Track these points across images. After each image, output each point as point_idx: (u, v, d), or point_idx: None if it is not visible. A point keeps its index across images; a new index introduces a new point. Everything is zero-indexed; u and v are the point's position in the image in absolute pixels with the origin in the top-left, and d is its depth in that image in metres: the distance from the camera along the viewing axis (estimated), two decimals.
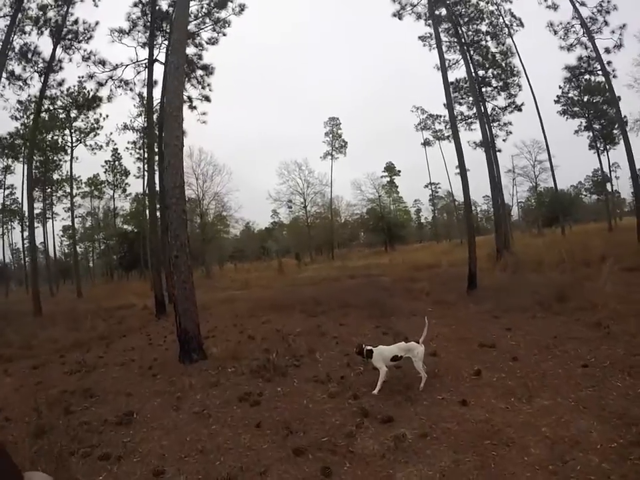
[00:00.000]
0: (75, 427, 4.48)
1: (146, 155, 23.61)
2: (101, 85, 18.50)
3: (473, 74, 26.36)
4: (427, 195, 66.74)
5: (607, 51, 21.71)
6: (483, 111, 26.61)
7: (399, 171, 59.12)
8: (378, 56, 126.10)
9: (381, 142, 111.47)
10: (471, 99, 27.40)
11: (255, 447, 3.75)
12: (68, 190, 34.61)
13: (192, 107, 21.38)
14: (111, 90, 18.86)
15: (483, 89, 25.93)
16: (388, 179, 57.97)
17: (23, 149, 29.26)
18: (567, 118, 36.29)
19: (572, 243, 18.91)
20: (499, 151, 28.81)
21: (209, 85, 20.94)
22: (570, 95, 35.74)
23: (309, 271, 29.23)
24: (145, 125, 21.53)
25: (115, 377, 6.47)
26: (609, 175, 38.31)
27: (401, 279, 16.31)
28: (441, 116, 49.39)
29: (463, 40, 21.69)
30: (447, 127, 30.64)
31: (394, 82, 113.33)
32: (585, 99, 35.39)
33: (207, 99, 21.28)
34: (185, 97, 20.58)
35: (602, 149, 36.85)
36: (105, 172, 46.10)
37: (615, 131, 34.72)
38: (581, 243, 17.34)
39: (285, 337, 7.85)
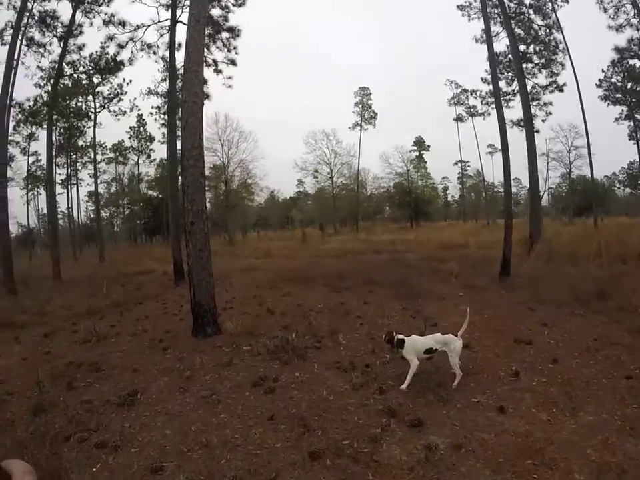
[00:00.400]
0: (75, 405, 4.13)
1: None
2: (121, 47, 17.72)
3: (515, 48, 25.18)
4: (455, 173, 65.72)
5: None
6: (523, 87, 25.51)
7: (429, 146, 57.49)
8: (412, 29, 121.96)
9: (412, 115, 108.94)
10: (510, 74, 26.15)
11: (267, 445, 3.31)
12: (92, 156, 34.50)
13: (217, 71, 20.49)
14: (132, 52, 18.10)
15: (524, 65, 24.54)
16: (417, 153, 56.44)
17: (45, 115, 29.18)
18: (608, 104, 33.97)
19: (606, 235, 17.84)
20: (537, 131, 27.28)
21: (235, 47, 19.99)
22: (613, 79, 33.63)
23: (332, 243, 28.75)
24: (169, 89, 20.87)
25: (124, 350, 6.12)
26: None
27: (428, 257, 15.69)
28: (476, 91, 47.62)
29: (506, 10, 20.40)
30: (484, 102, 29.10)
31: (427, 55, 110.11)
32: (629, 86, 33.29)
33: (233, 62, 20.36)
34: (210, 60, 19.87)
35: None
36: (129, 138, 46.19)
37: None
38: (615, 237, 16.31)
39: (306, 313, 7.42)
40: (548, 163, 46.23)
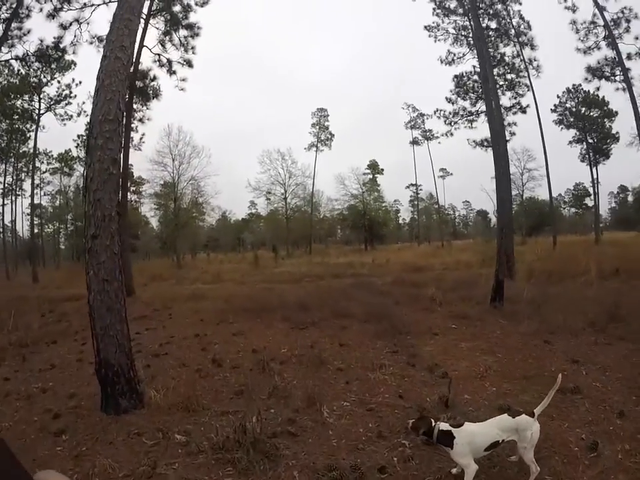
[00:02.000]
0: None
1: None
2: (64, 28, 15.37)
3: (478, 69, 24.86)
4: (406, 196, 66.23)
5: (629, 57, 20.43)
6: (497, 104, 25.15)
7: (382, 170, 56.82)
8: (374, 52, 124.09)
9: (366, 138, 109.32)
10: (473, 95, 26.03)
11: None
12: (34, 164, 31.18)
13: (171, 72, 18.48)
14: (75, 36, 15.66)
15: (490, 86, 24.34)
16: (370, 176, 55.55)
17: None
18: (562, 128, 35.01)
19: (569, 254, 17.09)
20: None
21: (193, 47, 18.16)
22: (567, 104, 34.63)
23: (286, 266, 26.72)
24: None
25: (3, 428, 3.92)
26: (595, 188, 36.87)
27: (397, 282, 13.93)
28: (430, 116, 48.64)
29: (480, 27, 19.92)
30: (447, 121, 28.37)
31: (387, 79, 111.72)
32: (582, 111, 34.21)
33: (189, 63, 18.42)
34: (165, 59, 17.93)
35: (592, 162, 35.54)
36: (76, 147, 42.65)
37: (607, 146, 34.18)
38: (580, 254, 15.44)
39: (266, 365, 5.36)
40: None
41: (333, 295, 11.43)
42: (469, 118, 27.79)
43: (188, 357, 6.29)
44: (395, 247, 48.52)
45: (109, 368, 4.03)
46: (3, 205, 33.91)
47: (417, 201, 61.69)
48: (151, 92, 18.01)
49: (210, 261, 42.66)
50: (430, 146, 50.85)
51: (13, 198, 34.96)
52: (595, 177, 35.65)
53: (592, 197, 50.19)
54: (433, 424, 2.74)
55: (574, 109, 34.41)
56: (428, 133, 50.40)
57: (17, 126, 29.20)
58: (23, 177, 36.72)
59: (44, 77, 25.56)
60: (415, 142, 52.30)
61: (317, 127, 51.55)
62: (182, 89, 18.91)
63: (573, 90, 33.78)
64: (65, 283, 19.88)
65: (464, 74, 26.10)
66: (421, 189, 61.73)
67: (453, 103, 27.79)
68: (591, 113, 33.82)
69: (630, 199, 60.11)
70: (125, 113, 4.29)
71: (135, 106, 18.92)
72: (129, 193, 51.10)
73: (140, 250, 50.87)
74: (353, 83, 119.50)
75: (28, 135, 30.28)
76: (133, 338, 7.80)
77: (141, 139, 33.06)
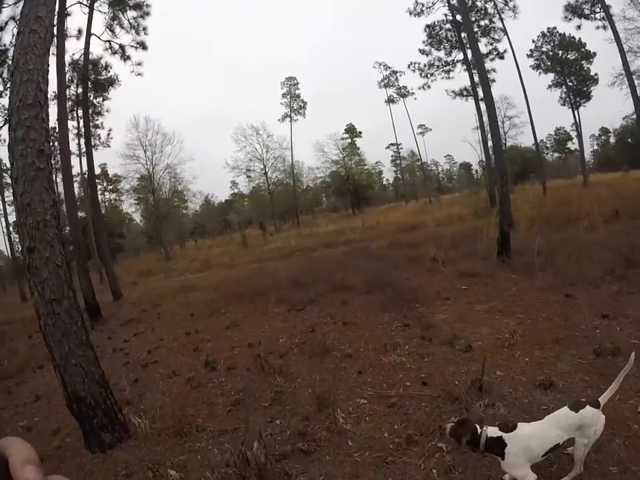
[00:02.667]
0: None
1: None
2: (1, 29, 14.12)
3: (450, 17, 23.88)
4: (387, 157, 65.35)
5: None
6: (463, 56, 24.29)
7: (360, 132, 55.44)
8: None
9: (342, 103, 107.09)
10: (447, 44, 25.13)
11: None
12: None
13: (125, 58, 17.25)
14: (13, 35, 14.42)
15: (462, 34, 23.61)
16: (349, 140, 54.26)
17: None
18: (540, 73, 33.78)
19: (562, 198, 16.52)
20: (482, 99, 26.30)
21: (144, 28, 16.86)
22: (544, 49, 33.46)
23: (276, 242, 26.06)
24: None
25: None
26: (579, 130, 36.17)
27: (393, 244, 13.31)
28: (403, 72, 47.54)
29: None
30: (423, 74, 27.30)
31: (351, 33, 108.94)
32: (560, 54, 33.18)
33: (143, 45, 17.12)
34: (117, 46, 16.69)
35: (573, 105, 34.74)
36: None
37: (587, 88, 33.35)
38: (574, 199, 14.87)
39: (264, 362, 4.75)
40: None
41: (328, 267, 10.86)
42: (444, 68, 26.89)
43: (179, 363, 5.71)
44: (382, 209, 47.70)
45: (80, 402, 3.40)
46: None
47: (400, 160, 60.58)
48: (106, 82, 16.83)
49: (198, 247, 41.73)
50: (406, 103, 49.70)
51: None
52: (577, 119, 34.78)
53: (574, 140, 50.03)
54: (479, 430, 2.17)
55: (551, 53, 33.29)
56: (403, 90, 49.27)
57: None
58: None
59: None
60: (390, 100, 50.97)
61: (288, 96, 49.87)
62: (139, 74, 17.66)
63: (548, 33, 32.57)
64: None
65: (436, 23, 25.10)
66: (401, 148, 60.58)
67: (427, 55, 26.80)
68: (569, 56, 32.81)
69: (612, 140, 59.42)
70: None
71: (95, 101, 17.91)
72: (107, 192, 50.18)
73: (128, 248, 49.98)
74: (323, 55, 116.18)
75: None
76: (122, 347, 7.25)
77: (108, 134, 31.83)
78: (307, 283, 9.01)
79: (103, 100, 18.35)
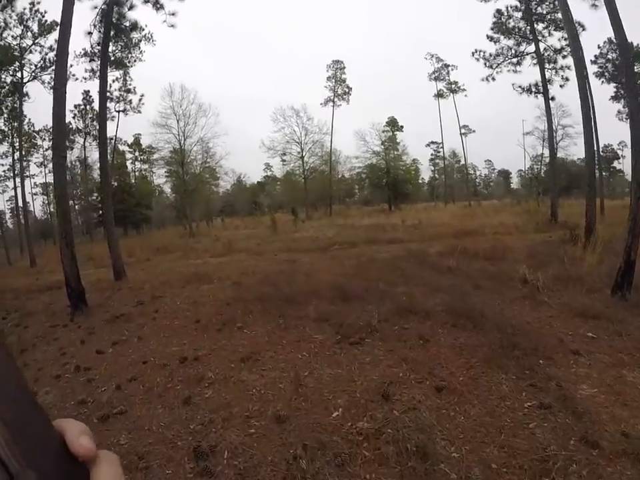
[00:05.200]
0: None
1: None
2: None
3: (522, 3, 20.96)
4: (425, 155, 63.21)
5: None
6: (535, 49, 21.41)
7: (402, 127, 52.47)
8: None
9: (386, 95, 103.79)
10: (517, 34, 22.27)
11: None
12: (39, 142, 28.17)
13: (158, 6, 15.00)
14: None
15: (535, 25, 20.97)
16: (390, 133, 51.27)
17: None
18: (603, 82, 30.12)
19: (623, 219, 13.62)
20: (552, 98, 23.16)
21: None
22: (609, 56, 29.73)
23: (308, 230, 23.73)
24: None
25: None
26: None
27: (456, 251, 10.39)
28: (455, 67, 44.92)
29: None
30: (487, 64, 24.25)
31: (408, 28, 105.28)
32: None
33: None
34: None
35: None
36: (73, 118, 39.38)
37: None
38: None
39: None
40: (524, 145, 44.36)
41: (381, 273, 8.43)
42: (512, 60, 23.85)
43: (154, 425, 3.34)
44: (419, 207, 44.89)
45: None
46: (15, 187, 30.76)
47: (444, 159, 57.37)
48: (129, 25, 14.54)
49: (225, 227, 39.78)
50: (455, 99, 46.95)
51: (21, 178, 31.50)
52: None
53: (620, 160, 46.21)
54: None
55: (617, 61, 29.72)
56: (453, 85, 46.39)
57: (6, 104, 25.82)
58: (26, 156, 33.98)
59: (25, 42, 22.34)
60: (439, 94, 48.00)
61: (333, 80, 47.35)
62: (171, 25, 15.36)
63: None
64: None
65: (508, 8, 22.14)
66: (441, 147, 57.77)
67: (495, 42, 23.79)
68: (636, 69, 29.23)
69: None
70: None
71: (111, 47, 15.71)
72: (137, 162, 48.62)
73: (155, 220, 48.91)
74: (371, 44, 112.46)
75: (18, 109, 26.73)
76: (88, 366, 4.91)
77: (140, 100, 29.98)
78: (357, 295, 6.59)
79: (128, 51, 16.18)
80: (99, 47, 13.39)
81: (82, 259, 17.72)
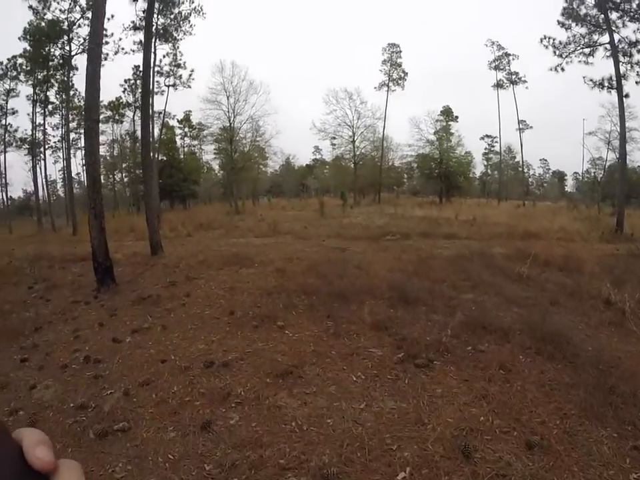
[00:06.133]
0: None
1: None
2: None
3: None
4: (478, 148, 60.56)
5: None
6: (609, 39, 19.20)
7: (457, 117, 49.91)
8: None
9: (443, 85, 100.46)
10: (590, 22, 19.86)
11: None
12: (64, 113, 28.17)
13: None
14: None
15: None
16: (444, 123, 48.86)
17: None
18: None
19: None
20: (627, 96, 20.80)
21: None
22: None
23: (356, 216, 22.59)
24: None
25: None
26: None
27: (525, 256, 8.88)
28: (517, 56, 42.29)
29: None
30: (557, 53, 22.09)
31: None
32: None
33: None
34: None
35: None
36: (123, 92, 39.46)
37: None
38: None
39: None
40: (584, 145, 40.82)
41: (443, 273, 7.38)
42: (584, 51, 21.59)
43: (160, 461, 2.51)
44: (471, 202, 42.70)
45: None
46: (67, 158, 31.04)
47: (500, 154, 54.30)
48: None
49: (271, 206, 39.18)
50: (515, 91, 44.31)
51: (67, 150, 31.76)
52: None
53: None
54: None
55: None
56: (514, 76, 43.63)
57: (54, 75, 26.06)
58: (77, 129, 34.30)
59: (73, 16, 22.22)
60: (499, 85, 45.25)
61: (388, 63, 45.40)
62: None
63: None
64: None
65: None
66: (495, 142, 54.97)
67: (567, 29, 21.55)
68: None
69: None
70: None
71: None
72: (187, 138, 48.55)
73: (202, 196, 49.00)
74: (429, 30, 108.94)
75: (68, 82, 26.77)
76: (100, 358, 4.17)
77: (190, 75, 29.43)
78: (420, 299, 5.58)
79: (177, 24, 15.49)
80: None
81: (124, 230, 17.52)
